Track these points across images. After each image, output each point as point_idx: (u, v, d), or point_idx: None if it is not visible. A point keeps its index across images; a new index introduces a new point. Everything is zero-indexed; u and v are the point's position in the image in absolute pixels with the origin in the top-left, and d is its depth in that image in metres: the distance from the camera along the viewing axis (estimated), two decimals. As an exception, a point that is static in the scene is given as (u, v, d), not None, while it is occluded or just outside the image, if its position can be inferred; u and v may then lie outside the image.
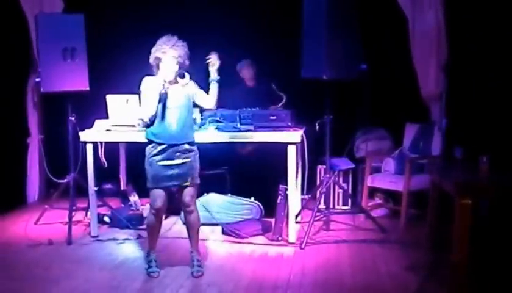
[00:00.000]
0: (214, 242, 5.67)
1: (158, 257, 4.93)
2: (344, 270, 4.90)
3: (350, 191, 6.70)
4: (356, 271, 4.85)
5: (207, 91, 4.91)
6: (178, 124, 4.68)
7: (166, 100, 4.62)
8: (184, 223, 5.98)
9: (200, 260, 4.91)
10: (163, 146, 4.66)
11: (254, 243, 5.61)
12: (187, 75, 4.69)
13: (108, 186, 7.15)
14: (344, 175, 6.74)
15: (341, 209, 6.71)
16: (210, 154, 6.15)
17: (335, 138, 6.38)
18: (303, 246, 5.42)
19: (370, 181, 6.41)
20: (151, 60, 4.72)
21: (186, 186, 4.74)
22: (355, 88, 6.23)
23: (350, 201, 6.69)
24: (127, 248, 5.51)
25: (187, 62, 4.74)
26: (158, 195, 4.72)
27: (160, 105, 4.62)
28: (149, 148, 4.74)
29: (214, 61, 4.87)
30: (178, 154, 4.69)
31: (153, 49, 4.69)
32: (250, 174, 6.58)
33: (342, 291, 4.49)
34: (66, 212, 5.98)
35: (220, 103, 5.57)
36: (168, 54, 4.63)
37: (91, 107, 6.07)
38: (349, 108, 6.62)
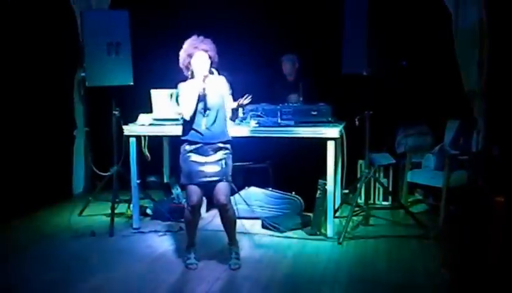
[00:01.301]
0: (253, 235, 5.74)
1: (197, 249, 5.03)
2: (380, 266, 4.91)
3: (390, 186, 6.69)
4: (392, 268, 4.85)
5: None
6: (212, 123, 4.77)
7: (204, 100, 4.72)
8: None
9: (238, 254, 5.00)
10: (197, 144, 4.77)
11: (292, 237, 5.66)
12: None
13: (151, 179, 7.29)
14: (385, 170, 6.73)
15: (380, 205, 6.70)
16: (253, 148, 6.27)
17: (376, 133, 6.39)
18: (340, 241, 5.45)
19: (410, 177, 6.39)
20: (181, 61, 4.82)
21: (220, 183, 4.81)
22: (396, 83, 6.24)
23: (389, 196, 6.67)
24: (167, 241, 5.62)
25: (217, 58, 4.83)
26: (193, 191, 4.81)
27: (196, 105, 4.72)
28: (183, 146, 4.84)
29: (244, 101, 4.90)
30: (211, 151, 4.78)
31: (182, 50, 4.81)
32: (292, 169, 6.63)
33: (377, 288, 4.51)
34: (109, 204, 6.10)
35: (261, 95, 5.75)
36: (199, 47, 4.74)
37: (135, 101, 6.19)
38: (390, 104, 6.62)
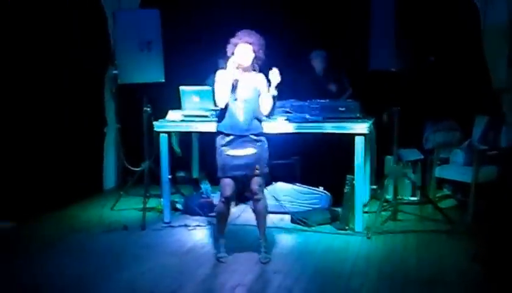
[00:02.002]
0: (282, 229, 5.80)
1: (227, 243, 5.11)
2: (409, 261, 4.94)
3: (418, 182, 6.70)
4: (421, 263, 4.88)
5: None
6: (245, 116, 4.83)
7: (235, 91, 4.79)
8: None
9: (268, 247, 5.08)
10: (231, 137, 4.83)
11: (321, 232, 5.72)
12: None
13: (180, 174, 7.39)
14: (413, 166, 6.74)
15: (409, 200, 6.72)
16: (280, 144, 6.33)
17: (404, 129, 6.41)
18: (369, 236, 5.49)
19: (438, 172, 6.40)
20: (227, 51, 4.88)
21: (254, 175, 4.90)
22: (424, 79, 6.26)
23: (418, 191, 6.68)
24: (197, 235, 5.72)
25: (262, 55, 4.89)
26: (227, 184, 4.89)
27: (230, 97, 4.79)
28: (218, 139, 4.91)
29: (274, 78, 4.87)
30: (245, 144, 4.84)
31: (232, 40, 4.88)
32: (319, 165, 6.68)
33: (407, 283, 4.53)
34: (140, 199, 6.22)
35: (291, 90, 5.84)
36: (243, 39, 4.81)
37: (165, 98, 6.30)
38: (418, 100, 6.64)
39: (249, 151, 4.85)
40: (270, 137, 5.47)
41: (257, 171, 4.88)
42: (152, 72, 5.99)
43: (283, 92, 6.10)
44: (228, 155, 4.84)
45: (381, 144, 6.17)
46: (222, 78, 4.81)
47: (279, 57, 6.83)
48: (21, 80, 6.42)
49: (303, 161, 6.94)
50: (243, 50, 4.82)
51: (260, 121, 4.98)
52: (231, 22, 5.24)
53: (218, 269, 4.85)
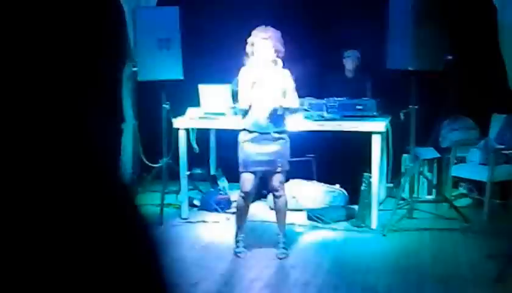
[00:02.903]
0: (299, 226, 5.86)
1: (246, 238, 5.19)
2: (424, 258, 5.00)
3: (434, 180, 6.73)
4: (436, 260, 4.94)
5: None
6: (268, 113, 4.88)
7: (259, 88, 4.84)
8: (271, 208, 6.29)
9: (286, 243, 5.13)
10: (253, 134, 4.90)
11: (337, 229, 5.77)
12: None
13: (197, 171, 7.45)
14: (429, 164, 6.76)
15: (424, 198, 6.74)
16: (297, 142, 6.38)
17: (421, 127, 6.44)
18: (385, 233, 5.54)
19: (454, 171, 6.42)
20: (247, 49, 4.95)
21: (275, 172, 4.96)
22: (441, 78, 6.28)
23: (434, 190, 6.71)
24: (214, 230, 5.80)
25: (281, 48, 4.92)
26: (247, 179, 4.97)
27: (253, 94, 4.86)
28: (240, 135, 4.99)
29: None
30: (267, 141, 4.90)
31: (252, 38, 4.93)
32: (336, 162, 6.72)
33: (422, 279, 4.58)
34: (158, 195, 6.30)
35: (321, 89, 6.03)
36: (259, 36, 4.86)
37: (184, 96, 6.36)
38: (435, 98, 6.66)
39: (271, 148, 4.92)
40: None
41: (279, 168, 4.94)
42: (170, 70, 6.04)
43: (303, 88, 6.21)
44: (250, 150, 4.92)
45: (398, 143, 6.19)
46: (244, 79, 4.89)
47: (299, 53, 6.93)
48: (37, 75, 6.54)
49: (320, 159, 6.99)
50: (262, 46, 4.87)
51: (283, 118, 5.03)
52: (253, 19, 5.29)
53: (236, 264, 4.93)
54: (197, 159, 6.87)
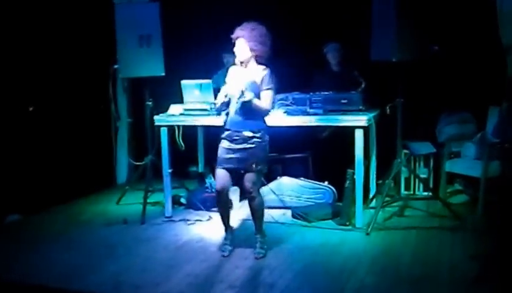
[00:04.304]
0: (281, 225, 5.70)
1: (233, 235, 5.11)
2: (404, 258, 4.76)
3: (430, 176, 6.47)
4: (416, 261, 4.69)
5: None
6: (241, 111, 4.77)
7: (232, 88, 4.75)
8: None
9: (263, 242, 4.98)
10: (227, 132, 4.85)
11: (321, 228, 5.58)
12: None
13: (193, 169, 7.34)
14: (425, 160, 6.50)
15: (421, 195, 6.48)
16: (292, 138, 6.22)
17: (418, 121, 6.21)
18: (368, 232, 5.33)
19: (449, 167, 6.15)
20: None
21: (247, 171, 4.81)
22: (430, 69, 6.05)
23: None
24: (194, 229, 5.67)
25: (258, 46, 4.76)
26: (220, 176, 4.86)
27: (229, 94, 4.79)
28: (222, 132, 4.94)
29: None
30: (239, 139, 4.79)
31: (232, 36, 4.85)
32: (331, 159, 6.53)
33: (397, 281, 4.35)
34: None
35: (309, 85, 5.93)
36: (235, 34, 4.78)
37: (171, 92, 6.25)
38: (431, 91, 6.41)
39: (243, 146, 4.78)
40: (281, 130, 5.49)
41: (250, 168, 4.78)
42: (151, 66, 5.94)
43: (289, 85, 6.05)
44: (223, 147, 4.85)
45: (391, 138, 5.96)
46: (228, 78, 4.94)
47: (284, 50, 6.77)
48: (33, 73, 6.54)
49: (316, 155, 6.82)
50: (237, 45, 4.80)
51: (259, 117, 4.86)
52: (234, 14, 5.15)
53: (207, 264, 4.77)
54: (189, 157, 6.78)
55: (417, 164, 6.50)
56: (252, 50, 4.78)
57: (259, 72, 4.84)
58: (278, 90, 5.81)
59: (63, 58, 6.80)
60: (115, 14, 5.96)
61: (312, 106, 5.74)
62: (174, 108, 5.94)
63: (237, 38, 4.78)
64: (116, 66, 6.08)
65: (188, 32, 6.82)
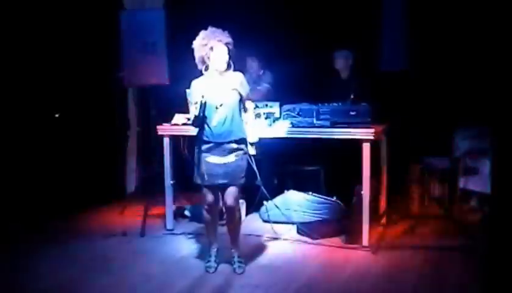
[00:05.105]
0: (284, 241, 5.48)
1: (222, 253, 4.88)
2: (409, 279, 4.49)
3: (446, 193, 6.19)
4: (421, 283, 4.43)
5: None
6: (224, 122, 4.54)
7: (211, 98, 4.49)
8: (264, 220, 5.96)
9: (241, 257, 4.80)
10: (209, 144, 4.57)
11: (325, 245, 5.33)
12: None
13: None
14: (441, 175, 6.22)
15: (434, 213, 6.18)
16: (303, 150, 6.02)
17: (433, 135, 5.96)
18: (374, 251, 5.07)
19: (463, 183, 5.86)
20: (199, 54, 4.56)
21: (230, 185, 4.59)
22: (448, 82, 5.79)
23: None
24: (193, 243, 5.48)
25: (233, 50, 4.57)
26: (208, 191, 4.66)
27: (205, 103, 4.47)
28: (197, 143, 4.67)
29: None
30: (224, 152, 4.56)
31: (199, 42, 4.55)
32: (342, 172, 6.29)
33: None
34: (154, 204, 6.11)
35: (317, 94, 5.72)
36: (223, 40, 4.50)
37: (176, 101, 6.10)
38: (447, 103, 6.14)
39: (228, 159, 4.56)
40: (293, 143, 5.38)
41: (234, 182, 4.57)
42: (156, 75, 5.80)
43: (298, 94, 5.86)
44: (209, 162, 4.57)
45: (404, 152, 5.72)
46: (194, 96, 4.57)
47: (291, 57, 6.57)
48: (45, 82, 6.49)
49: (327, 168, 6.59)
50: (222, 53, 4.50)
51: (242, 127, 4.67)
52: (241, 22, 4.98)
53: (199, 280, 4.58)
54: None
55: (431, 180, 6.22)
56: (229, 55, 4.55)
57: (236, 78, 4.62)
58: (285, 100, 5.67)
59: (70, 67, 6.72)
60: (120, 21, 5.84)
61: (320, 118, 5.52)
62: (178, 118, 5.78)
63: (223, 42, 4.50)
64: (121, 74, 5.96)
65: (193, 39, 6.66)
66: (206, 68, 4.60)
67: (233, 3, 6.46)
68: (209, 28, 4.57)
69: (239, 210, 4.73)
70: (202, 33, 4.57)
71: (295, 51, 6.31)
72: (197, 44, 4.56)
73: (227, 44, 4.50)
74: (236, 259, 4.75)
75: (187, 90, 5.62)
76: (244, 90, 4.65)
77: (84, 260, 5.08)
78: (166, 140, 5.72)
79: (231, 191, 4.59)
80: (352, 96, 6.11)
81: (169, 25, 5.79)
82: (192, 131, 5.57)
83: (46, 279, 4.64)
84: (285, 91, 6.06)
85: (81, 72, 6.82)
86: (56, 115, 6.99)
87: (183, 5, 6.60)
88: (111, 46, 6.68)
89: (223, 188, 4.62)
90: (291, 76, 6.48)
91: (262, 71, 6.75)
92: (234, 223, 4.73)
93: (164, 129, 5.74)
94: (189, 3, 6.76)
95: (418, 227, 5.72)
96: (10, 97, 6.36)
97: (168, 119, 5.88)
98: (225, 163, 4.55)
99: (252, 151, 4.75)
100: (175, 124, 5.71)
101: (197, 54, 4.56)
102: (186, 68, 6.15)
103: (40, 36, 6.48)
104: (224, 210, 4.87)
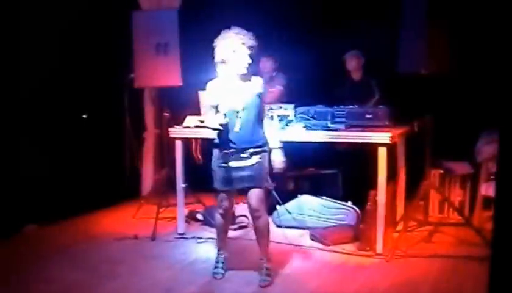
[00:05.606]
0: (296, 247, 5.33)
1: (231, 258, 4.77)
2: (423, 290, 4.31)
3: (467, 199, 5.97)
4: (434, 293, 4.26)
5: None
6: (243, 127, 4.36)
7: (231, 103, 4.33)
8: (276, 225, 5.81)
9: (269, 269, 4.57)
10: (231, 150, 4.39)
11: (337, 252, 5.17)
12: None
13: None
14: (462, 181, 6.00)
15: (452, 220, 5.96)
16: (322, 153, 5.87)
17: (455, 139, 5.75)
18: (388, 259, 4.90)
19: (484, 189, 5.62)
20: (220, 54, 4.35)
21: (253, 189, 4.42)
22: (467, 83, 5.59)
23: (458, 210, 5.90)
24: (203, 248, 5.36)
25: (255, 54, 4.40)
26: (224, 197, 4.51)
27: (224, 109, 4.33)
28: (215, 151, 4.51)
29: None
30: (246, 156, 4.38)
31: (223, 42, 4.34)
32: (359, 176, 6.12)
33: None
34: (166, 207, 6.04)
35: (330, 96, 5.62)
36: (246, 44, 4.30)
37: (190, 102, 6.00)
38: (470, 106, 5.92)
39: (250, 162, 4.39)
40: (310, 146, 5.20)
41: (258, 185, 4.41)
42: (168, 76, 5.70)
43: (312, 97, 5.71)
44: (227, 166, 4.40)
45: (423, 156, 5.52)
46: (209, 102, 4.46)
47: (306, 61, 6.42)
48: (59, 83, 6.45)
49: (346, 171, 6.44)
50: (243, 56, 4.32)
51: (261, 131, 4.50)
52: (255, 22, 4.82)
53: (208, 288, 4.47)
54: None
55: (451, 185, 6.01)
56: (251, 58, 4.37)
57: (257, 83, 4.46)
58: (300, 102, 5.54)
59: (86, 68, 6.68)
60: (132, 22, 5.76)
61: (335, 121, 5.36)
62: (190, 120, 5.67)
63: (246, 45, 4.31)
64: (132, 75, 5.88)
65: (207, 40, 6.54)
66: (225, 70, 4.42)
67: (247, 3, 6.33)
68: (233, 29, 4.37)
69: (265, 215, 4.53)
70: (225, 33, 4.37)
71: (310, 52, 6.15)
72: (219, 44, 4.37)
73: (250, 47, 4.32)
74: (264, 271, 4.54)
75: (199, 92, 5.58)
76: (264, 94, 4.52)
77: (92, 263, 5.02)
78: (178, 143, 5.61)
79: (255, 194, 4.42)
80: (376, 97, 6.01)
81: (182, 26, 5.68)
82: (205, 134, 5.55)
83: (51, 282, 4.57)
84: (300, 93, 5.90)
85: (99, 73, 6.76)
86: (84, 116, 6.98)
87: (197, 5, 6.48)
88: (125, 47, 6.67)
89: (246, 191, 4.47)
90: (306, 78, 6.33)
91: (275, 73, 6.63)
92: (260, 227, 4.52)
93: (176, 132, 5.65)
94: (204, 3, 6.65)
95: (436, 235, 5.53)
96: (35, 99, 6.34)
97: (181, 121, 5.81)
98: (247, 166, 4.38)
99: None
100: (187, 127, 5.62)
101: (218, 55, 4.37)
102: (199, 69, 6.10)
103: (65, 40, 6.44)
104: (235, 214, 4.77)
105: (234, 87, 4.40)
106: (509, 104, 2.43)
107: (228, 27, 4.40)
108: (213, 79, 4.51)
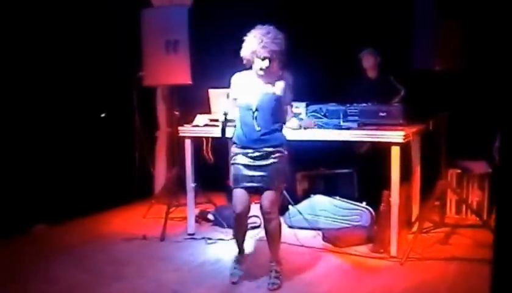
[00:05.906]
0: (307, 249, 5.20)
1: (245, 260, 4.68)
2: (438, 294, 4.18)
3: (485, 199, 5.79)
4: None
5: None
6: (260, 125, 4.27)
7: (248, 101, 4.29)
8: (288, 226, 5.69)
9: (279, 272, 4.46)
10: (245, 149, 4.32)
11: (350, 254, 5.04)
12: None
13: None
14: (480, 181, 5.82)
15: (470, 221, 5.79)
16: (337, 152, 5.73)
17: (473, 137, 5.59)
18: (402, 262, 4.75)
19: (502, 190, 5.45)
20: (245, 52, 4.27)
21: (266, 190, 4.32)
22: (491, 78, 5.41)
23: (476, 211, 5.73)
24: (213, 249, 5.27)
25: (281, 57, 4.28)
26: (239, 197, 4.39)
27: (242, 106, 4.31)
28: (232, 149, 4.43)
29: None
30: (261, 155, 4.28)
31: (249, 41, 4.25)
32: (374, 176, 5.98)
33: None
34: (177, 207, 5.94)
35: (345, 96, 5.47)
36: (268, 48, 4.16)
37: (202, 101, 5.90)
38: (489, 103, 5.74)
39: (266, 162, 4.29)
40: (324, 145, 5.06)
41: (274, 185, 4.31)
42: (178, 74, 5.59)
43: (325, 95, 5.59)
44: (241, 164, 4.33)
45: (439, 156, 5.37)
46: (232, 94, 4.44)
47: (318, 59, 6.28)
48: (69, 82, 6.39)
49: (361, 171, 6.29)
50: (262, 62, 4.22)
51: (279, 130, 4.41)
52: (266, 19, 4.71)
53: (212, 290, 4.36)
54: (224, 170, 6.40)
55: (470, 186, 5.84)
56: (273, 63, 4.26)
57: (279, 84, 4.35)
58: (311, 100, 5.43)
59: (97, 66, 6.61)
60: (141, 19, 5.66)
61: (347, 119, 5.22)
62: (200, 119, 5.56)
63: (268, 52, 4.18)
64: (141, 73, 5.78)
65: (217, 38, 6.43)
66: (250, 67, 4.35)
67: (259, 1, 6.20)
68: (262, 29, 4.24)
69: (277, 217, 4.41)
70: (254, 30, 4.27)
71: (321, 50, 6.03)
72: (245, 40, 4.29)
73: (271, 51, 4.19)
74: (273, 274, 4.43)
75: (209, 90, 5.51)
76: (287, 96, 4.40)
77: (99, 264, 4.94)
78: (188, 142, 5.51)
79: (267, 195, 4.31)
80: (402, 93, 5.88)
81: (192, 24, 5.58)
82: (215, 133, 5.44)
83: (54, 283, 4.51)
84: (312, 91, 5.76)
85: (109, 71, 6.68)
86: (103, 115, 6.91)
87: (208, 3, 6.36)
88: (135, 45, 6.59)
89: (260, 192, 4.36)
90: (318, 76, 6.19)
91: (281, 73, 6.48)
92: (271, 230, 4.41)
93: (185, 131, 5.54)
94: (216, 1, 6.54)
95: (452, 237, 5.37)
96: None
97: (191, 120, 5.70)
98: (261, 166, 4.29)
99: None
100: (196, 126, 5.51)
101: (243, 52, 4.29)
102: (209, 67, 6.01)
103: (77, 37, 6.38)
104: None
105: (253, 85, 4.34)
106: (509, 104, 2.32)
107: (264, 23, 4.29)
108: (240, 71, 4.45)
